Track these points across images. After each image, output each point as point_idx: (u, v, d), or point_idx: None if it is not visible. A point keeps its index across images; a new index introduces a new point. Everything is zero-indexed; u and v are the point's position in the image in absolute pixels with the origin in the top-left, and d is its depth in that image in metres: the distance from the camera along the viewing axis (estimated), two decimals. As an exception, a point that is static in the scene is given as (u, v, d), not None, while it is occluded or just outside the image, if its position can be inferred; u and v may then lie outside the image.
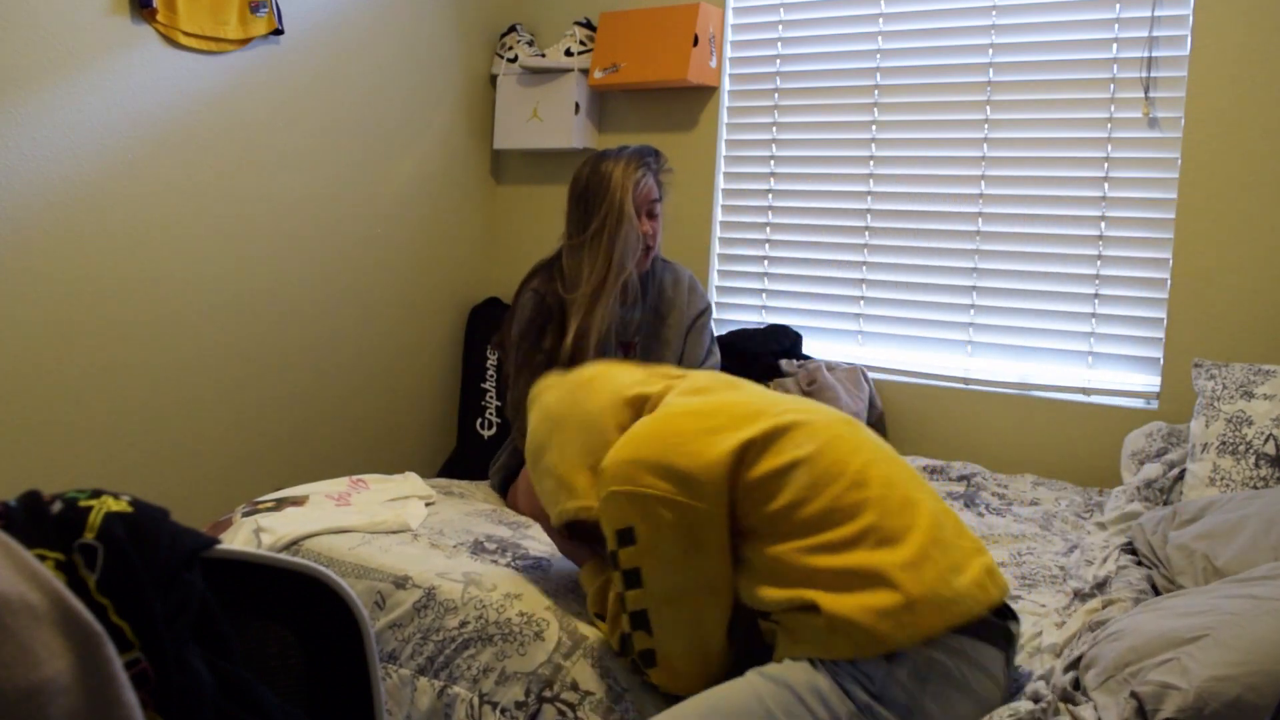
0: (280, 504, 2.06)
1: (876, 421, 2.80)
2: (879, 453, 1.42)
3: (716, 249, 3.17)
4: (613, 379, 1.59)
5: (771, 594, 1.33)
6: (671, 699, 1.45)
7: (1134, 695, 1.17)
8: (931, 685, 1.27)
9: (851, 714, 1.25)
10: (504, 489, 2.38)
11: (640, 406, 1.55)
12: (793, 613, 1.32)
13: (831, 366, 2.76)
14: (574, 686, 1.53)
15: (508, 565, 1.81)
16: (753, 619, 1.45)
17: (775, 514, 1.34)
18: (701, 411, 1.43)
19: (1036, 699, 1.29)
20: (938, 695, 1.27)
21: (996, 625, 1.35)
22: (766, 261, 3.09)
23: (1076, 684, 1.31)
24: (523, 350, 2.33)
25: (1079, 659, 1.37)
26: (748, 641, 1.49)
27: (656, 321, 2.41)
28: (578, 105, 3.21)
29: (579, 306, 2.25)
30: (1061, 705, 1.25)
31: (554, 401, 1.60)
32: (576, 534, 1.66)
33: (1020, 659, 1.49)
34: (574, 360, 2.25)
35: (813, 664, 1.30)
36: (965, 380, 2.74)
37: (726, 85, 3.13)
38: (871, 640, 1.26)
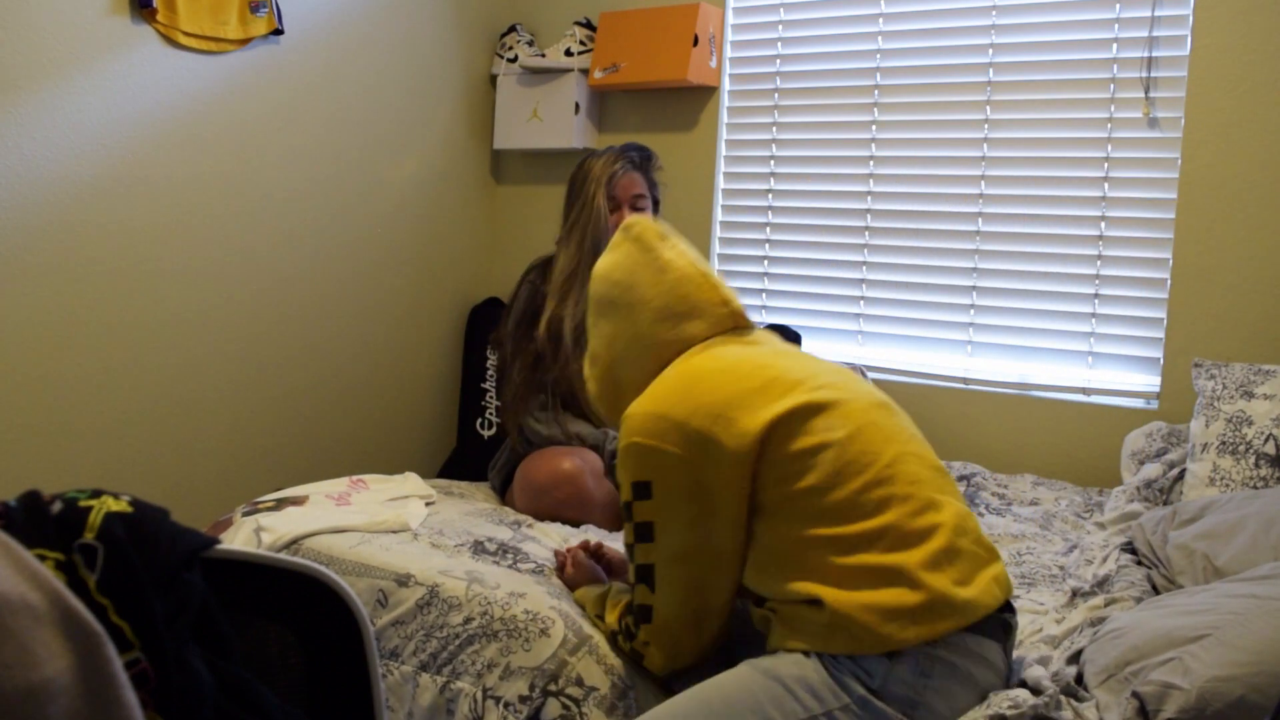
0: (280, 504, 2.06)
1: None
2: (909, 445, 1.39)
3: (716, 249, 3.17)
4: (701, 286, 1.52)
5: (777, 584, 1.32)
6: (660, 690, 1.46)
7: (1135, 695, 1.17)
8: (935, 681, 1.25)
9: (846, 706, 1.24)
10: (503, 490, 2.38)
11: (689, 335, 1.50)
12: (792, 604, 1.31)
13: (831, 366, 2.76)
14: (579, 682, 1.53)
15: (509, 567, 1.81)
16: (745, 603, 1.45)
17: (795, 495, 1.32)
18: (738, 370, 1.40)
19: (1037, 690, 1.28)
20: (940, 690, 1.25)
21: (996, 619, 1.34)
22: (766, 261, 3.09)
23: (1078, 679, 1.31)
24: (516, 339, 2.39)
25: (1079, 653, 1.37)
26: (740, 625, 1.50)
27: None
28: (578, 105, 3.21)
29: (552, 294, 2.32)
30: (1064, 699, 1.25)
31: (643, 289, 1.52)
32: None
33: (1018, 652, 1.50)
34: (553, 348, 2.28)
35: (805, 655, 1.28)
36: (965, 380, 2.74)
37: (726, 85, 3.13)
38: (875, 639, 1.24)
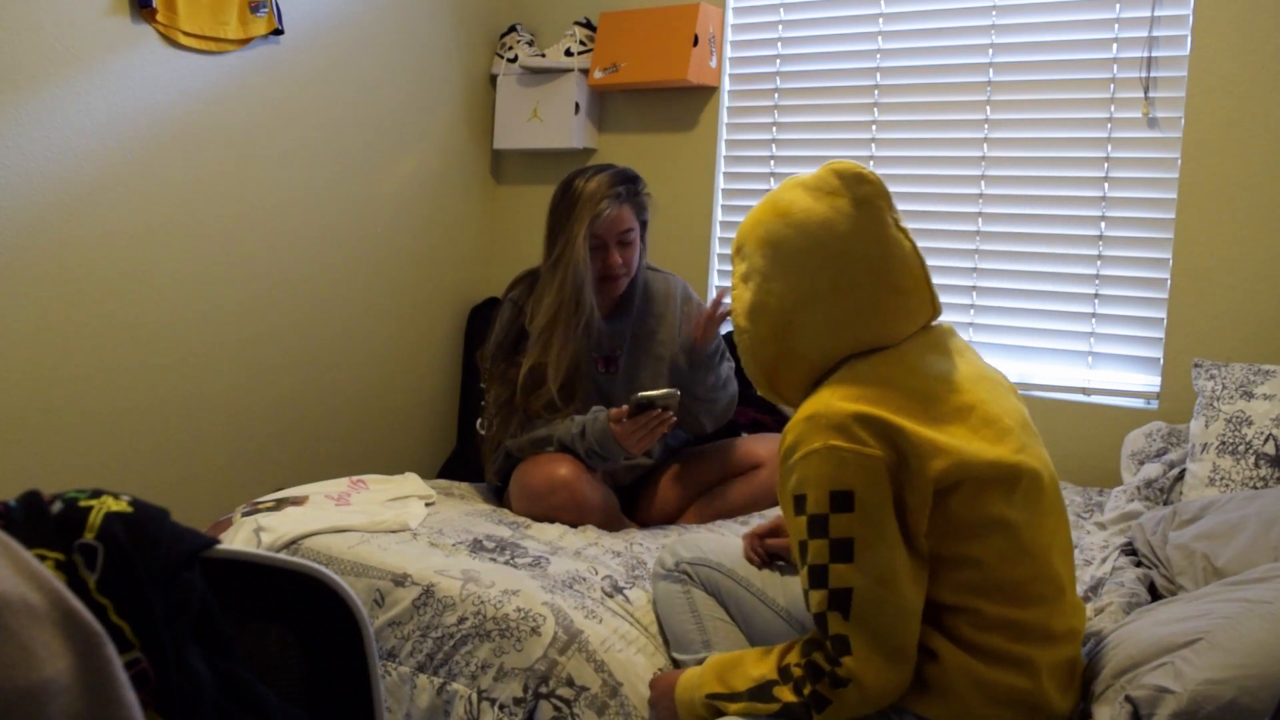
0: (280, 504, 2.06)
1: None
2: (1061, 530, 1.30)
3: (716, 249, 3.17)
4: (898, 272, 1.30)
5: None
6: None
7: (1129, 699, 1.17)
8: None
9: None
10: (499, 493, 2.38)
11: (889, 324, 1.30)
12: None
13: (831, 366, 2.75)
14: (569, 682, 1.53)
15: (506, 563, 1.81)
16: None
17: (953, 558, 1.22)
18: (948, 399, 1.25)
19: None
20: None
21: None
22: (766, 261, 3.08)
23: (1078, 709, 1.30)
24: (497, 362, 2.34)
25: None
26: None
27: (644, 336, 2.37)
28: (578, 105, 3.21)
29: (535, 341, 2.24)
30: None
31: (861, 268, 1.27)
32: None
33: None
34: (533, 390, 2.24)
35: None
36: (965, 380, 2.74)
37: (726, 85, 3.13)
38: (962, 715, 1.22)
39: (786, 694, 1.24)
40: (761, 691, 1.26)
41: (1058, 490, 1.31)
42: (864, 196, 1.30)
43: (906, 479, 1.19)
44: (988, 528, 1.21)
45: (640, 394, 2.07)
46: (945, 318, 2.80)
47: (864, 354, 1.30)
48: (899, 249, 1.30)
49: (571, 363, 2.25)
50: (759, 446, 2.40)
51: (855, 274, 1.27)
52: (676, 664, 1.57)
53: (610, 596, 1.70)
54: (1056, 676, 1.25)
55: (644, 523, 2.28)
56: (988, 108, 2.72)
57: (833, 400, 1.22)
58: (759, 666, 1.29)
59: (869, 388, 1.23)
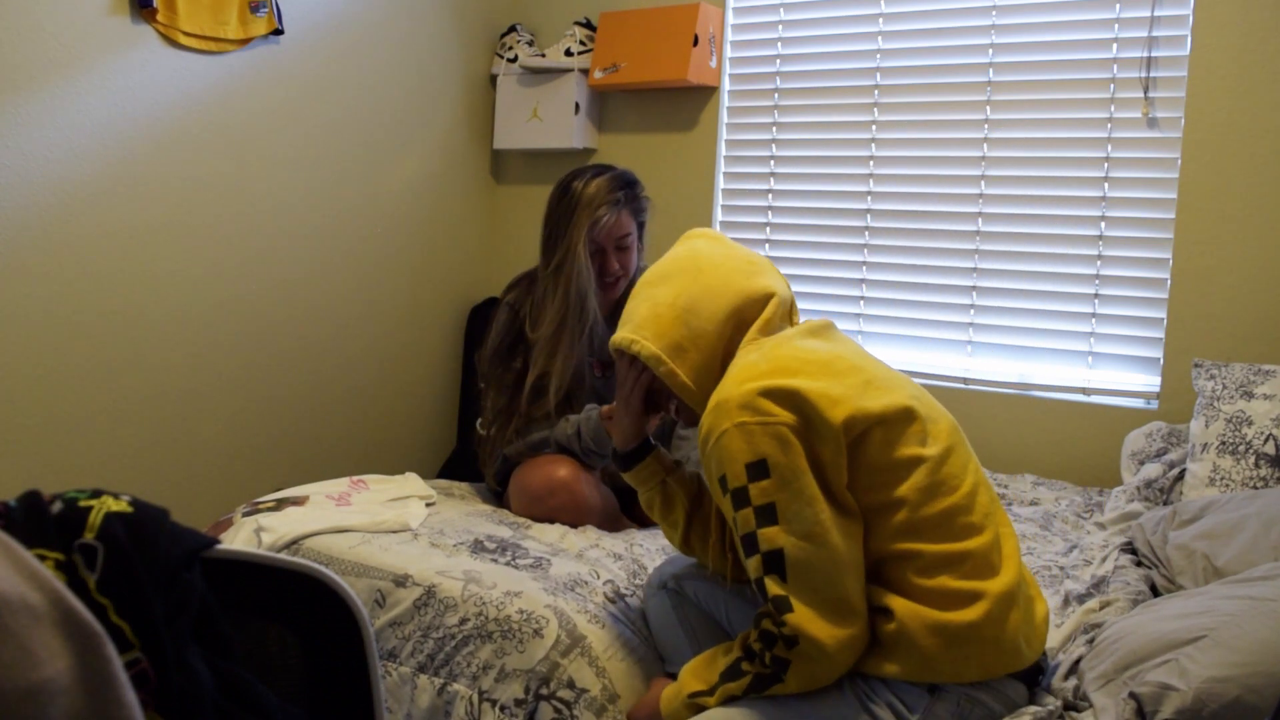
0: (281, 504, 2.06)
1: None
2: (979, 474, 1.37)
3: (716, 249, 3.17)
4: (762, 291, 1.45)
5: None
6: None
7: (1133, 696, 1.17)
8: None
9: None
10: (499, 495, 2.37)
11: (755, 317, 1.43)
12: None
13: (831, 366, 2.75)
14: (570, 684, 1.53)
15: (508, 564, 1.81)
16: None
17: (884, 505, 1.28)
18: (834, 365, 1.33)
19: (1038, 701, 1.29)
20: None
21: (1034, 664, 1.33)
22: (766, 261, 3.08)
23: (1076, 691, 1.31)
24: (494, 366, 2.33)
25: (1077, 662, 1.38)
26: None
27: None
28: (578, 105, 3.21)
29: (540, 350, 2.23)
30: (1066, 715, 1.25)
31: (707, 259, 1.47)
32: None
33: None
34: (536, 400, 2.24)
35: (838, 686, 1.26)
36: (965, 380, 2.74)
37: (726, 85, 3.13)
38: (927, 668, 1.23)
39: (752, 666, 1.29)
40: (732, 671, 1.32)
41: (961, 435, 1.39)
42: (690, 236, 1.56)
43: (815, 436, 1.26)
44: (905, 467, 1.28)
45: None
46: (946, 317, 2.81)
47: (752, 342, 1.40)
48: (731, 248, 1.51)
49: (574, 370, 2.25)
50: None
51: (703, 269, 1.45)
52: (673, 677, 1.57)
53: (612, 601, 1.71)
54: (1015, 610, 1.26)
55: (644, 523, 2.28)
56: (988, 108, 2.72)
57: (732, 386, 1.31)
58: (729, 654, 1.35)
59: (764, 365, 1.32)
